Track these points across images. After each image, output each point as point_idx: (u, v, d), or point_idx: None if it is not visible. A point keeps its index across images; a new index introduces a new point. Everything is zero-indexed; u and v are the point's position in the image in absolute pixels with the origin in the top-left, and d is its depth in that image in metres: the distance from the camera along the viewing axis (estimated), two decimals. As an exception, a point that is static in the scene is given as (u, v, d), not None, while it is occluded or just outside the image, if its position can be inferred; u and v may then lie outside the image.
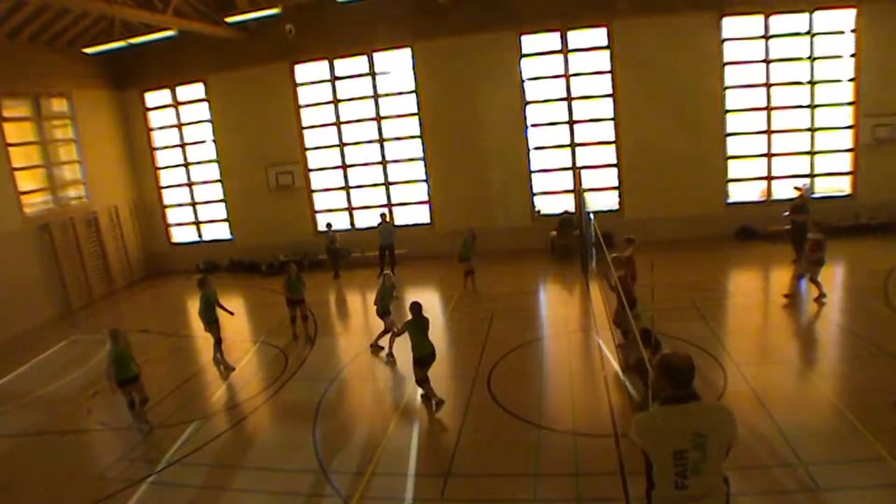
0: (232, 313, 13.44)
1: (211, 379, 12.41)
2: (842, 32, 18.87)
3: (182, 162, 23.04)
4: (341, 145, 21.78)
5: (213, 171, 22.80)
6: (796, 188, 18.55)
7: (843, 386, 9.72)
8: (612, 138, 20.29)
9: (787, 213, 16.67)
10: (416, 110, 20.99)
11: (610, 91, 19.96)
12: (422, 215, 21.86)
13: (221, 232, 23.32)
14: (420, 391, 10.08)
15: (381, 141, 21.48)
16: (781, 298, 13.64)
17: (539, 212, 21.17)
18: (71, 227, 19.56)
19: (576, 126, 20.45)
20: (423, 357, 9.93)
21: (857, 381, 9.75)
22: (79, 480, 8.84)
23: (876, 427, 7.89)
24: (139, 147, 22.96)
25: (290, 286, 13.95)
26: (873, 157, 19.13)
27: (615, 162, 20.47)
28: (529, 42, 20.10)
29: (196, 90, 22.26)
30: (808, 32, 18.94)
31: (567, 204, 20.56)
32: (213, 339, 12.74)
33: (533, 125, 20.63)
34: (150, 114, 22.88)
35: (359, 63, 21.07)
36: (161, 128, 22.99)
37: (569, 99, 20.27)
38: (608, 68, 19.83)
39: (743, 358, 10.74)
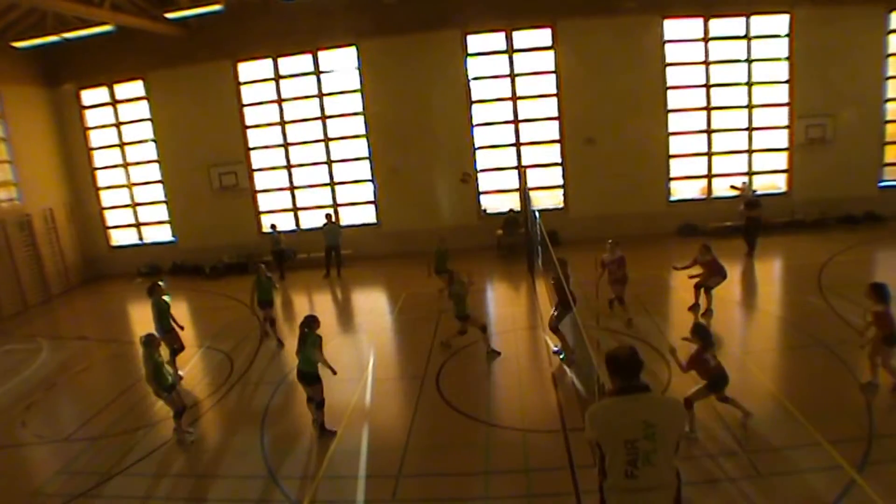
0: (182, 328, 12.57)
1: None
2: (777, 36, 19.55)
3: (121, 162, 22.33)
4: (286, 145, 21.50)
5: (154, 172, 22.20)
6: (733, 187, 19.20)
7: (782, 375, 10.10)
8: (557, 137, 20.53)
9: (742, 208, 17.24)
10: (361, 109, 20.86)
11: (555, 91, 20.21)
12: (368, 215, 21.74)
13: (163, 234, 22.73)
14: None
15: (327, 140, 21.26)
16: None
17: (485, 210, 21.29)
18: (2, 231, 18.81)
19: (521, 125, 20.65)
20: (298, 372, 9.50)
21: (794, 371, 10.22)
22: (13, 498, 8.47)
23: (812, 414, 8.24)
24: (75, 147, 22.17)
25: (261, 288, 13.56)
26: (807, 156, 19.91)
27: (560, 161, 20.73)
28: (475, 41, 20.20)
29: (135, 88, 21.64)
30: (745, 36, 19.57)
31: (512, 203, 20.72)
32: (168, 349, 11.84)
33: (478, 124, 20.75)
34: (87, 112, 22.14)
35: (303, 62, 20.84)
36: (98, 127, 22.26)
37: (514, 98, 20.45)
38: (552, 68, 20.07)
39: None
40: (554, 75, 20.12)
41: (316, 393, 9.23)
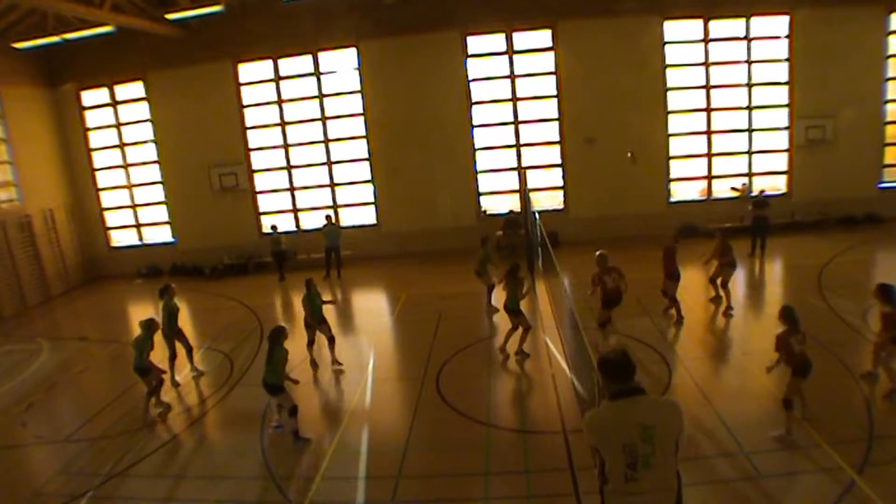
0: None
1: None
2: (777, 38, 19.55)
3: (121, 163, 22.33)
4: (286, 146, 21.51)
5: (154, 173, 22.21)
6: (733, 188, 19.20)
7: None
8: (557, 138, 20.53)
9: (750, 208, 17.24)
10: (361, 111, 20.86)
11: (555, 92, 20.22)
12: (368, 216, 21.74)
13: (163, 235, 22.73)
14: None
15: (327, 142, 21.26)
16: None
17: (485, 211, 21.28)
18: (2, 231, 18.82)
19: (521, 126, 20.65)
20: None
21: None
22: (13, 498, 8.47)
23: (813, 415, 8.22)
24: (75, 147, 22.18)
25: (312, 304, 12.01)
26: (807, 157, 19.90)
27: (560, 162, 20.73)
28: (475, 43, 20.21)
29: (135, 89, 21.65)
30: (745, 37, 19.57)
31: (513, 203, 20.71)
32: (170, 353, 11.89)
33: (479, 125, 20.75)
34: (87, 113, 22.13)
35: (303, 63, 20.84)
36: (98, 128, 22.26)
37: (514, 100, 20.45)
38: (553, 69, 20.08)
39: (686, 352, 11.02)
40: (554, 76, 20.13)
41: (284, 401, 9.13)
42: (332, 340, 12.03)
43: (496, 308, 14.02)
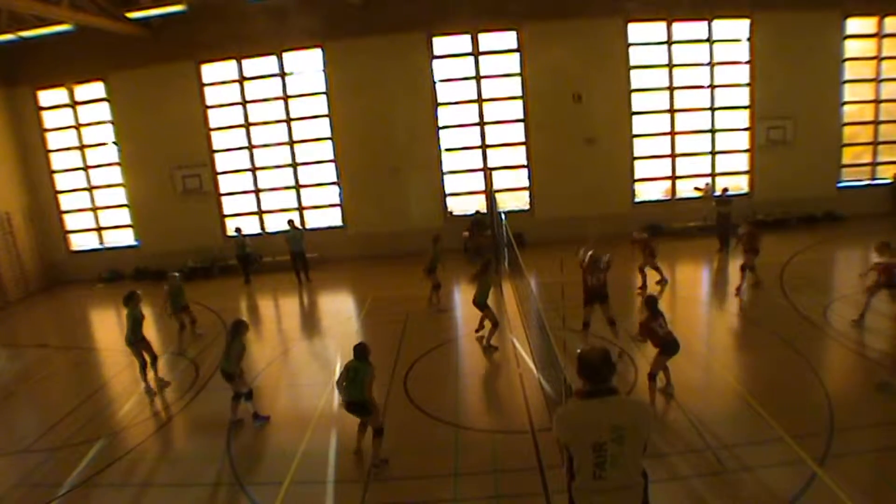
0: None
1: (117, 393, 11.77)
2: (738, 40, 19.91)
3: (81, 165, 21.86)
4: (250, 147, 21.27)
5: (116, 175, 21.76)
6: (696, 188, 19.49)
7: (746, 373, 10.25)
8: (523, 139, 20.64)
9: (714, 205, 17.52)
10: (326, 112, 20.73)
11: (520, 93, 20.31)
12: (334, 218, 21.61)
13: (126, 239, 22.31)
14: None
15: (292, 143, 21.09)
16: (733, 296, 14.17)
17: (451, 212, 21.29)
18: (-43, 236, 18.29)
19: (487, 127, 20.71)
20: None
21: (757, 368, 10.36)
22: (-31, 512, 8.21)
23: (775, 410, 8.38)
24: (33, 149, 21.63)
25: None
26: (767, 157, 20.31)
27: (525, 163, 20.84)
28: (441, 44, 20.21)
29: (96, 89, 21.22)
30: (707, 39, 19.88)
31: (479, 204, 20.76)
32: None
33: (445, 126, 20.76)
34: (45, 113, 21.61)
35: (268, 63, 20.64)
36: (57, 129, 21.74)
37: (480, 101, 20.50)
38: (518, 71, 20.18)
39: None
40: (520, 78, 20.23)
41: (240, 386, 9.61)
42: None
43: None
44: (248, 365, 12.30)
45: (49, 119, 21.69)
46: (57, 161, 21.97)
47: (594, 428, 4.18)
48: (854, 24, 20.09)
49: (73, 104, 21.45)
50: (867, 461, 7.28)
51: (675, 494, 6.94)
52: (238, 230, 20.01)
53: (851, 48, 20.25)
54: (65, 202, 22.33)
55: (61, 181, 22.14)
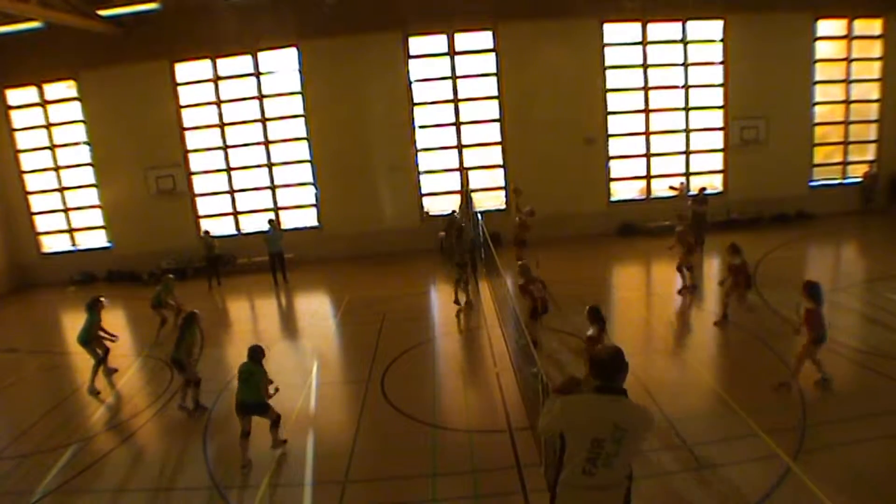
0: (114, 338, 12.37)
1: (89, 398, 11.56)
2: (712, 41, 20.14)
3: (52, 165, 21.47)
4: (225, 147, 21.06)
5: (88, 176, 21.40)
6: (671, 187, 19.67)
7: (720, 370, 10.37)
8: (499, 139, 20.68)
9: (689, 203, 17.63)
10: (302, 112, 20.59)
11: (496, 93, 20.34)
12: (310, 218, 21.48)
13: (98, 240, 21.95)
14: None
15: (267, 143, 20.92)
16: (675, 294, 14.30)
17: (427, 213, 21.26)
18: (-77, 238, 17.88)
19: (463, 127, 20.72)
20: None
21: (731, 366, 10.52)
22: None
23: (749, 407, 8.49)
24: (1, 148, 21.14)
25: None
26: (741, 156, 20.58)
27: (502, 163, 20.88)
28: (416, 43, 20.18)
29: (67, 88, 20.85)
30: (682, 40, 20.08)
31: (455, 204, 20.73)
32: (95, 359, 11.77)
33: (421, 126, 20.74)
34: (13, 113, 21.18)
35: (243, 63, 20.45)
36: (27, 128, 21.32)
37: (456, 101, 20.50)
38: (494, 70, 20.21)
39: (627, 348, 11.14)
40: (495, 77, 20.26)
41: (191, 375, 10.14)
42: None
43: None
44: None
45: (18, 118, 21.26)
46: (27, 161, 21.54)
47: (598, 423, 4.26)
48: (825, 26, 20.43)
49: (44, 103, 21.05)
50: (838, 455, 7.36)
51: (653, 491, 6.98)
52: (206, 232, 19.73)
53: (822, 50, 20.58)
54: (35, 203, 21.90)
55: (32, 182, 21.70)
